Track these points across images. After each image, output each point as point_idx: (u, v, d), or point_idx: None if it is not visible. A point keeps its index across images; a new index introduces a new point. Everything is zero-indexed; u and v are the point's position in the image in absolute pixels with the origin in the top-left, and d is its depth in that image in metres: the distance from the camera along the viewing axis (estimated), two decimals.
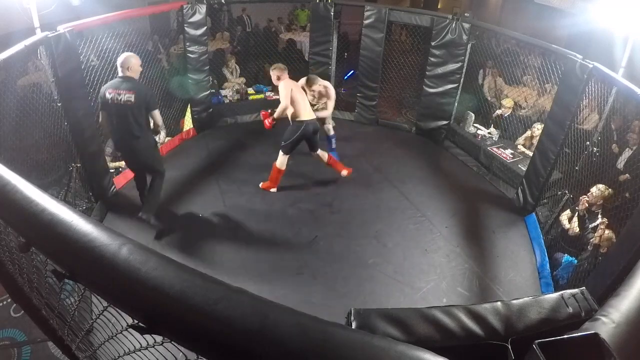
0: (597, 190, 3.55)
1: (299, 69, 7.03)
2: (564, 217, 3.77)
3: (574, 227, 3.61)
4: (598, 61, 3.71)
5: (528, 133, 5.22)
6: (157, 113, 3.57)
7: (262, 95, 6.50)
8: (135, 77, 3.45)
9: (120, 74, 3.41)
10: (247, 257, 3.79)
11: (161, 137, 4.34)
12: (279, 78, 4.30)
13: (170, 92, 5.54)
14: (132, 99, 3.36)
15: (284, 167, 4.51)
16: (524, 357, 0.68)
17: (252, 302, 0.64)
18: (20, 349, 2.96)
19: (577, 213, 3.70)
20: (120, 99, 3.36)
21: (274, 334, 0.60)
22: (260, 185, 4.67)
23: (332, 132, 5.27)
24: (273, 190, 4.62)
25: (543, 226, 4.17)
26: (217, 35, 7.97)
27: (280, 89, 4.21)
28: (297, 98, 4.25)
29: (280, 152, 4.44)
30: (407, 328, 0.78)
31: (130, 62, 3.40)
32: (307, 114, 4.31)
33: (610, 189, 3.56)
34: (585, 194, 3.64)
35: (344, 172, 4.76)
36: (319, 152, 4.62)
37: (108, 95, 3.38)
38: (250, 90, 6.58)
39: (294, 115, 4.30)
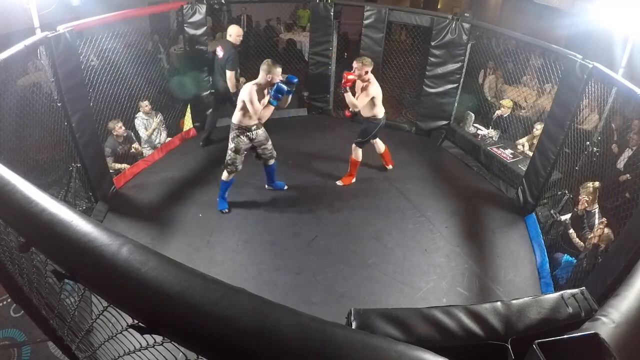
0: (584, 189, 3.59)
1: (298, 69, 7.05)
2: (574, 237, 3.71)
3: (579, 242, 3.62)
4: (597, 61, 3.71)
5: (529, 136, 5.22)
6: (229, 73, 4.88)
7: None
8: (232, 41, 4.94)
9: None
10: (247, 257, 3.79)
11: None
12: (366, 74, 4.19)
13: (170, 92, 5.54)
14: (221, 55, 4.97)
15: (360, 159, 4.75)
16: (524, 357, 0.68)
17: (252, 302, 0.65)
18: (20, 349, 2.96)
19: (575, 214, 3.71)
20: (217, 53, 5.04)
21: (274, 334, 0.60)
22: (341, 182, 4.85)
23: None
24: (353, 180, 4.88)
25: (543, 226, 4.17)
26: (217, 35, 7.96)
27: (372, 91, 4.21)
28: (378, 99, 4.34)
29: (355, 146, 4.69)
30: (407, 328, 0.78)
31: (229, 31, 4.99)
32: (382, 111, 4.47)
33: (596, 182, 3.58)
34: (585, 195, 3.65)
35: (390, 166, 5.12)
36: (378, 139, 4.83)
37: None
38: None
39: (374, 114, 4.41)
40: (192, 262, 3.57)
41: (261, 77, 3.77)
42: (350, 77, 4.13)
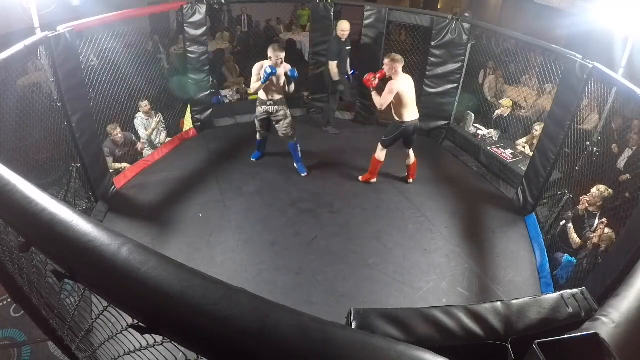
0: (597, 191, 3.55)
1: (298, 69, 7.03)
2: (572, 231, 3.69)
3: (575, 238, 3.60)
4: (597, 61, 3.71)
5: (529, 136, 5.22)
6: (330, 63, 5.45)
7: None
8: (338, 34, 5.40)
9: None
10: (247, 257, 3.79)
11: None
12: (396, 71, 4.10)
13: (170, 92, 5.54)
14: None
15: (382, 159, 4.67)
16: (524, 357, 0.68)
17: (252, 302, 0.64)
18: (20, 349, 2.96)
19: (576, 213, 3.70)
20: None
21: (274, 334, 0.60)
22: (360, 178, 4.86)
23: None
24: (373, 180, 4.84)
25: (543, 226, 4.17)
26: (217, 35, 7.97)
27: (396, 86, 4.08)
28: (406, 98, 4.19)
29: (380, 146, 4.60)
30: (407, 328, 0.78)
31: (337, 25, 5.44)
32: (411, 115, 4.31)
33: (610, 190, 3.56)
34: (586, 194, 3.64)
35: (411, 180, 4.92)
36: (411, 150, 4.70)
37: None
38: (250, 90, 6.56)
39: (398, 115, 4.30)
40: (192, 262, 3.57)
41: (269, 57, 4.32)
42: (375, 80, 4.17)
